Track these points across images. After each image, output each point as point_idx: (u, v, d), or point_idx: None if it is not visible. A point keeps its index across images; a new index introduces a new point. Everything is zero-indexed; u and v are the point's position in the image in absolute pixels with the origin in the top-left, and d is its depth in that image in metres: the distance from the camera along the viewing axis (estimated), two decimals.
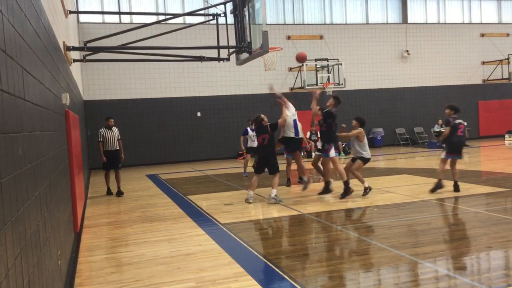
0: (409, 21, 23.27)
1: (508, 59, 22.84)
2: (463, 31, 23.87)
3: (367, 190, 9.51)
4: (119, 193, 11.66)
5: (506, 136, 22.31)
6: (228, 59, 10.39)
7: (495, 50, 23.77)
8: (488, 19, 24.63)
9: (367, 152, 9.59)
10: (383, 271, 5.24)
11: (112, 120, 11.76)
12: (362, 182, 9.54)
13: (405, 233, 6.87)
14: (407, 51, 22.90)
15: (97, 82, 19.10)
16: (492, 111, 24.00)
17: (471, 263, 5.40)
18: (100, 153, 11.57)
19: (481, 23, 24.35)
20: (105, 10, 19.32)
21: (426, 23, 23.58)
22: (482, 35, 24.07)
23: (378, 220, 7.66)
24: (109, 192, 11.84)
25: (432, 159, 17.08)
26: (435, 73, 23.51)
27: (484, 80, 24.14)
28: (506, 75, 23.04)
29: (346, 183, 9.31)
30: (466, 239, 6.18)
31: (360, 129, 9.61)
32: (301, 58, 10.65)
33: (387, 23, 23.05)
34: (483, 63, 24.05)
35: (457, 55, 23.73)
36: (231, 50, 10.31)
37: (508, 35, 24.28)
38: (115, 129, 11.72)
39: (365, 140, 9.63)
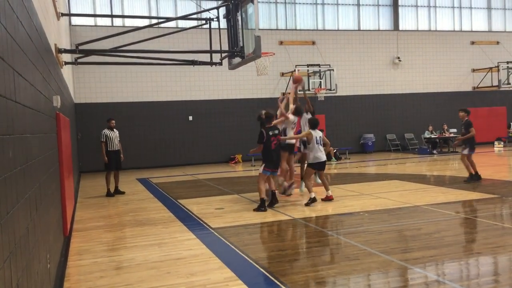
0: (400, 28, 23.45)
1: (497, 67, 23.08)
2: (453, 38, 24.10)
3: (309, 201, 9.37)
4: (118, 192, 12.18)
5: (496, 143, 22.51)
6: (220, 64, 10.40)
7: (485, 58, 24.02)
8: (478, 27, 24.90)
9: (314, 156, 9.54)
10: (373, 276, 5.25)
11: (114, 121, 12.26)
12: (309, 191, 9.54)
13: (395, 238, 6.90)
14: (398, 57, 23.06)
15: (88, 85, 19.01)
16: (482, 118, 24.18)
17: (461, 269, 5.43)
18: (103, 153, 11.97)
19: (471, 31, 24.60)
20: (97, 13, 19.26)
21: (417, 31, 23.78)
22: (472, 43, 24.32)
23: (369, 225, 7.68)
24: (109, 194, 11.91)
25: (422, 165, 17.19)
26: (426, 80, 23.69)
27: (474, 88, 24.37)
28: (495, 83, 23.27)
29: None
30: (456, 244, 6.22)
31: (308, 131, 9.68)
32: (297, 80, 10.74)
33: (378, 30, 23.22)
34: (473, 70, 24.28)
35: (447, 63, 23.94)
36: (223, 55, 10.33)
37: (498, 43, 24.56)
38: (116, 130, 12.23)
39: (313, 143, 9.53)
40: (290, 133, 10.28)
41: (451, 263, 5.55)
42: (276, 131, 9.50)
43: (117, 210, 10.12)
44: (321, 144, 9.65)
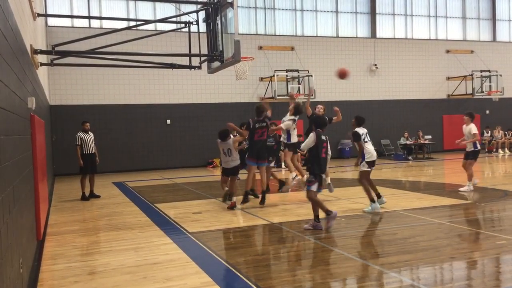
0: (377, 36, 23.80)
1: (471, 75, 23.62)
2: (429, 47, 24.56)
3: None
4: (94, 196, 11.97)
5: None
6: (199, 67, 10.36)
7: (459, 66, 24.54)
8: (453, 36, 25.45)
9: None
10: (350, 281, 5.30)
11: (88, 124, 12.06)
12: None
13: (372, 243, 6.98)
14: (375, 65, 23.38)
15: (64, 86, 18.71)
16: (456, 125, 24.66)
17: (435, 274, 5.51)
18: (78, 157, 11.77)
19: (446, 40, 25.12)
20: (75, 14, 18.99)
21: (394, 38, 24.16)
22: (448, 51, 24.82)
23: (346, 230, 7.74)
24: (84, 197, 11.72)
25: (398, 170, 17.44)
26: (402, 87, 24.06)
27: (448, 95, 24.86)
28: (469, 91, 23.80)
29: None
30: (430, 249, 6.31)
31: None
32: (342, 74, 9.91)
33: (356, 37, 23.51)
34: (448, 78, 24.76)
35: (423, 70, 24.37)
36: (202, 58, 10.29)
37: (472, 52, 25.12)
38: (90, 133, 12.04)
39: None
40: (294, 133, 10.40)
41: (426, 267, 5.62)
42: (263, 124, 9.82)
43: (92, 214, 9.96)
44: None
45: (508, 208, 9.51)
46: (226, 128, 10.30)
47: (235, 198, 9.87)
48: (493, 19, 26.24)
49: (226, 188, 10.36)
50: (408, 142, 21.79)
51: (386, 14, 24.16)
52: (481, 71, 24.04)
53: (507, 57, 25.73)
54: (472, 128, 11.38)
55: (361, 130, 9.37)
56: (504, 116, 25.16)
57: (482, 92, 23.79)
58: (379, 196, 9.29)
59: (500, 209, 9.43)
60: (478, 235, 7.22)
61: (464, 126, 11.68)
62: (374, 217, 8.66)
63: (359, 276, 5.42)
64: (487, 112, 25.40)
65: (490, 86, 24.00)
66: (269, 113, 10.20)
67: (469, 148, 11.44)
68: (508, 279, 5.27)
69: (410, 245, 6.57)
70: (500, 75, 23.92)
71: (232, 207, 9.71)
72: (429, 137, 22.83)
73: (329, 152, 8.17)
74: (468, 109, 24.85)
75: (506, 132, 23.72)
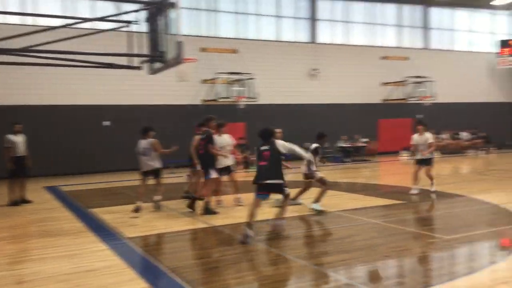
0: (317, 41, 24.35)
1: (405, 81, 24.70)
2: (366, 53, 25.41)
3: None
4: (24, 201, 11.40)
5: (403, 152, 23.98)
6: (139, 68, 10.13)
7: (394, 72, 25.55)
8: (389, 43, 26.51)
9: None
10: (289, 282, 5.36)
11: (19, 126, 11.48)
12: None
13: (310, 243, 7.11)
14: (316, 69, 23.89)
15: None
16: (390, 129, 25.70)
17: (370, 272, 5.69)
18: (8, 160, 11.13)
19: (382, 47, 26.12)
20: (7, 10, 18.00)
21: (333, 44, 24.81)
22: (383, 57, 25.80)
23: (285, 231, 7.82)
24: (14, 203, 11.13)
25: (336, 172, 17.90)
26: (340, 91, 24.70)
27: (383, 100, 25.83)
28: (403, 96, 24.88)
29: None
30: (366, 248, 6.52)
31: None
32: None
33: (297, 42, 23.93)
34: (383, 84, 25.72)
35: (360, 75, 25.15)
36: (144, 59, 10.07)
37: (406, 58, 26.24)
38: (22, 135, 11.47)
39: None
40: None
41: (361, 266, 5.79)
42: (203, 136, 9.62)
43: (23, 220, 9.47)
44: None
45: (438, 208, 10.01)
46: (149, 125, 10.46)
47: (159, 197, 10.05)
48: (426, 27, 27.60)
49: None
50: (345, 145, 22.44)
51: (326, 20, 24.77)
52: (415, 77, 25.19)
53: (439, 64, 27.07)
54: (429, 137, 11.50)
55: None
56: (435, 121, 26.41)
57: (415, 97, 24.92)
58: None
59: (431, 209, 9.90)
60: (409, 234, 7.53)
61: (416, 135, 11.58)
62: (312, 218, 8.82)
63: (298, 276, 5.49)
64: (420, 116, 26.61)
65: (423, 91, 25.17)
66: None
67: (427, 156, 11.46)
68: (439, 275, 5.52)
69: (346, 244, 6.75)
70: (433, 81, 25.14)
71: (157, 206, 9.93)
72: (366, 140, 23.61)
73: (282, 156, 7.90)
74: (402, 113, 26.02)
75: (438, 136, 24.96)
